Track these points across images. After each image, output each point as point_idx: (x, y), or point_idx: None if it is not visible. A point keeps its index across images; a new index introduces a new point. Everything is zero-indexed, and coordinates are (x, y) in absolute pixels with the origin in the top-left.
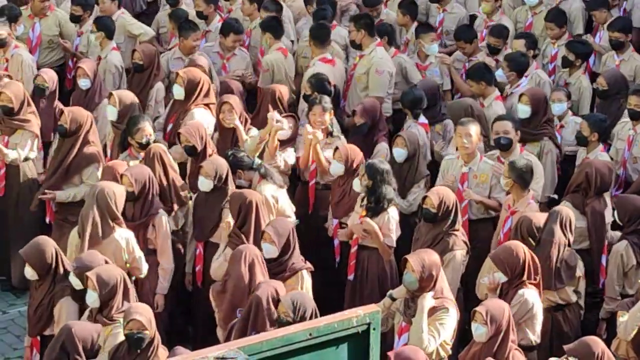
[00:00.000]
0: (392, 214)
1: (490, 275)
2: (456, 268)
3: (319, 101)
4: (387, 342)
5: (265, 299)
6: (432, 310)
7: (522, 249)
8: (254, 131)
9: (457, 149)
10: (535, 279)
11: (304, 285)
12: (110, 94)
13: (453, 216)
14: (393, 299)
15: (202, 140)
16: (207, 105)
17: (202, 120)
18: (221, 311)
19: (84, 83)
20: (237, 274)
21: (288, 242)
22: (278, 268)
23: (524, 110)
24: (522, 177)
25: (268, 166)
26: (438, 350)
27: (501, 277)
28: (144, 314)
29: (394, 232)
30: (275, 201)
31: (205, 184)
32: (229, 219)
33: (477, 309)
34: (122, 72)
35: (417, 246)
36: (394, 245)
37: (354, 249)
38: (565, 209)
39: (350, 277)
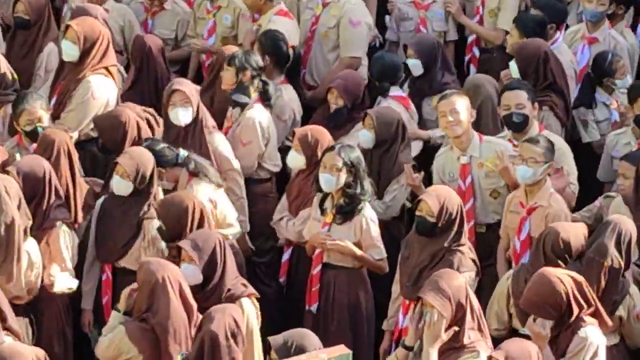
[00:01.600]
0: (369, 215)
1: (535, 324)
2: None
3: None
4: None
5: (222, 334)
6: (459, 353)
7: (558, 280)
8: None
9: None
10: (589, 307)
11: (246, 317)
12: None
13: (457, 227)
14: (408, 349)
15: (123, 138)
16: (107, 69)
17: (104, 94)
18: (151, 356)
19: None
20: (167, 304)
21: (214, 259)
22: (208, 297)
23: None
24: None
25: (199, 159)
26: None
27: (548, 323)
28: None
29: (379, 239)
30: (213, 206)
31: (121, 186)
32: (153, 233)
33: (494, 354)
34: None
35: (407, 267)
36: (385, 255)
37: (316, 270)
38: (625, 220)
39: (313, 307)
